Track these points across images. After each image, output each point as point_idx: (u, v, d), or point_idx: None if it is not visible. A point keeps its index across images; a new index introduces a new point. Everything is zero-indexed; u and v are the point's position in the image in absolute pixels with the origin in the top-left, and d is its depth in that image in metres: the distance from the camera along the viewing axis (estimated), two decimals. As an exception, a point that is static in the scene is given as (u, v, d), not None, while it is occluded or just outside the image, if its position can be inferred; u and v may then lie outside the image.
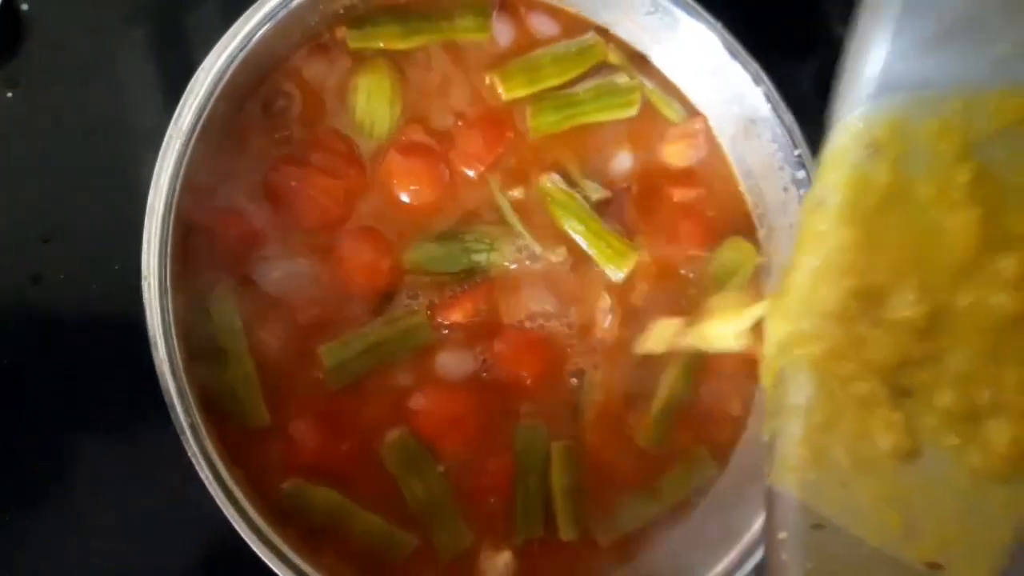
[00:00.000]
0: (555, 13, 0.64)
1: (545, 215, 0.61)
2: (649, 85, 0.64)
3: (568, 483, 0.59)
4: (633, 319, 0.62)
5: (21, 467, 0.61)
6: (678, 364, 0.61)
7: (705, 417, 0.62)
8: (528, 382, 0.60)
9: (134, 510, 0.62)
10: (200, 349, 0.54)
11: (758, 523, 0.56)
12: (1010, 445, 0.41)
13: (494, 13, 0.62)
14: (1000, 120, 0.42)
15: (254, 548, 0.51)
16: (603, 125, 0.63)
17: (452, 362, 0.59)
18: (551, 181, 0.61)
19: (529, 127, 0.62)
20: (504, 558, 0.58)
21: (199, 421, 0.51)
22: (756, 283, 0.63)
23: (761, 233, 0.64)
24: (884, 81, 0.43)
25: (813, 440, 0.43)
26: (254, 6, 0.55)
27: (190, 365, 0.52)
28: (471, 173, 0.61)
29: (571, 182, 0.62)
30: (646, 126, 0.64)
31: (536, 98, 0.62)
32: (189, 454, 0.51)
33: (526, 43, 0.63)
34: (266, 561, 0.51)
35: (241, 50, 0.54)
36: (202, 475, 0.51)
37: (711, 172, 0.65)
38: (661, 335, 0.57)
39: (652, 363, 0.61)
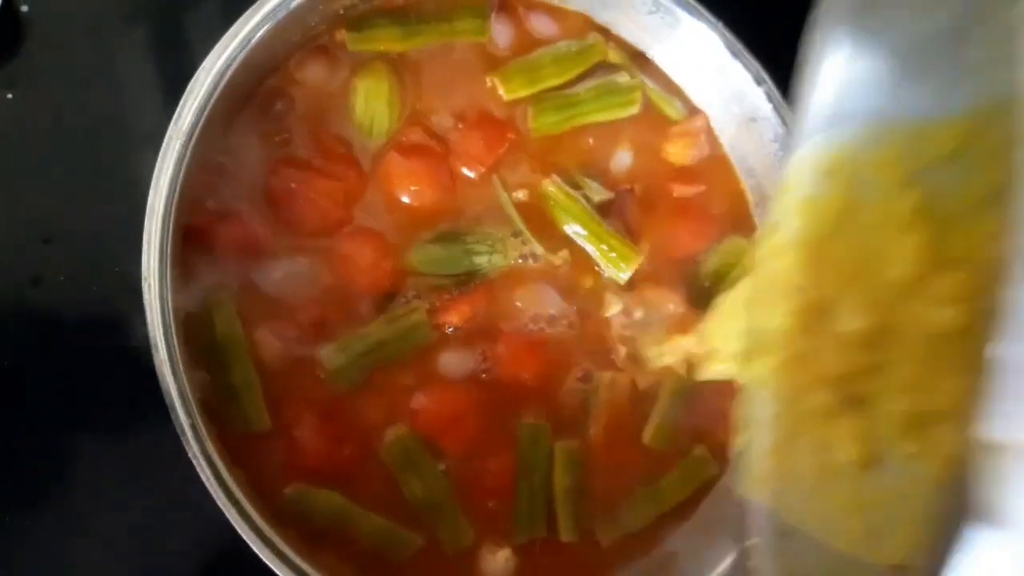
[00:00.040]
0: (555, 13, 0.64)
1: (547, 217, 0.61)
2: (650, 84, 0.64)
3: (570, 484, 0.59)
4: (638, 320, 0.62)
5: (21, 467, 0.61)
6: (683, 364, 0.61)
7: (706, 417, 0.62)
8: (529, 384, 0.60)
9: (134, 510, 0.61)
10: (201, 352, 0.54)
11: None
12: (955, 448, 0.42)
13: (493, 14, 0.62)
14: (941, 148, 0.43)
15: (255, 549, 0.51)
16: (604, 124, 0.63)
17: (454, 361, 0.59)
18: (553, 183, 0.61)
19: (530, 128, 0.62)
20: (504, 555, 0.58)
21: (199, 422, 0.51)
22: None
23: (762, 232, 0.64)
24: (834, 114, 0.45)
25: (779, 452, 0.45)
26: (254, 6, 0.55)
27: (190, 368, 0.52)
28: (472, 174, 0.61)
29: (573, 183, 0.62)
30: (647, 125, 0.64)
31: (537, 99, 0.62)
32: (189, 455, 0.51)
33: (526, 44, 0.63)
34: (267, 562, 0.51)
35: (241, 51, 0.54)
36: (203, 476, 0.51)
37: (712, 170, 0.65)
38: (673, 353, 0.58)
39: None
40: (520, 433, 0.59)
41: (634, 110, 0.63)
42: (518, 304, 0.60)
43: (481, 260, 0.59)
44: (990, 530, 0.22)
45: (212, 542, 0.61)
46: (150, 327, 0.51)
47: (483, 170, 0.60)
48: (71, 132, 0.64)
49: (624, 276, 0.61)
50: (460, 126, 0.61)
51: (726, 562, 0.57)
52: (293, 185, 0.57)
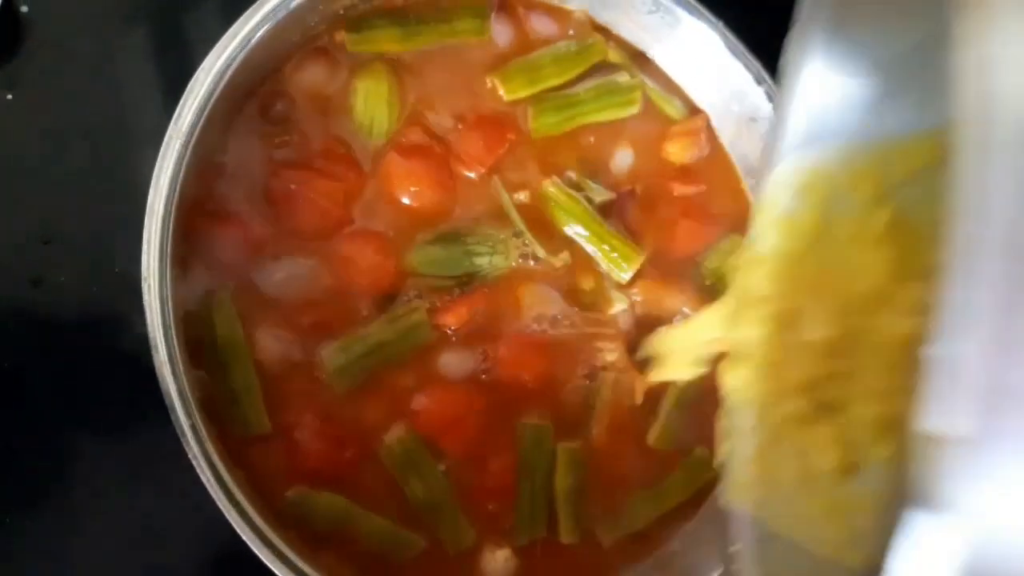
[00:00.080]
0: (555, 13, 0.64)
1: (548, 218, 0.61)
2: (650, 84, 0.64)
3: (572, 485, 0.59)
4: (640, 320, 0.62)
5: (21, 467, 0.61)
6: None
7: (711, 417, 0.62)
8: (530, 384, 0.59)
9: (134, 511, 0.61)
10: (201, 353, 0.54)
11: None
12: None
13: (492, 15, 0.62)
14: (914, 164, 0.44)
15: (255, 550, 0.51)
16: (604, 124, 0.63)
17: (454, 362, 0.59)
18: (553, 184, 0.61)
19: (531, 128, 0.62)
20: (503, 555, 0.58)
21: (200, 423, 0.51)
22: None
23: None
24: (810, 132, 0.47)
25: (761, 460, 0.46)
26: (254, 7, 0.55)
27: (190, 369, 0.52)
28: (472, 175, 0.61)
29: (574, 184, 0.62)
30: (647, 124, 0.64)
31: (537, 99, 0.62)
32: (190, 456, 0.51)
33: (526, 44, 0.63)
34: (267, 563, 0.51)
35: (241, 51, 0.54)
36: (203, 477, 0.51)
37: (713, 170, 0.65)
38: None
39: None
40: (522, 433, 0.59)
41: (634, 110, 0.63)
42: (519, 305, 0.60)
43: (482, 261, 0.59)
44: (927, 514, 0.24)
45: (212, 542, 0.61)
46: (150, 328, 0.51)
47: (483, 171, 0.60)
48: (71, 133, 0.64)
49: (626, 276, 0.61)
50: (460, 126, 0.61)
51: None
52: (293, 186, 0.57)
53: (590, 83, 0.63)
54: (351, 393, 0.57)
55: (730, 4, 0.60)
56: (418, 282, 0.59)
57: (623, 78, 0.63)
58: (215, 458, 0.51)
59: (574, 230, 0.61)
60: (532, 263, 0.61)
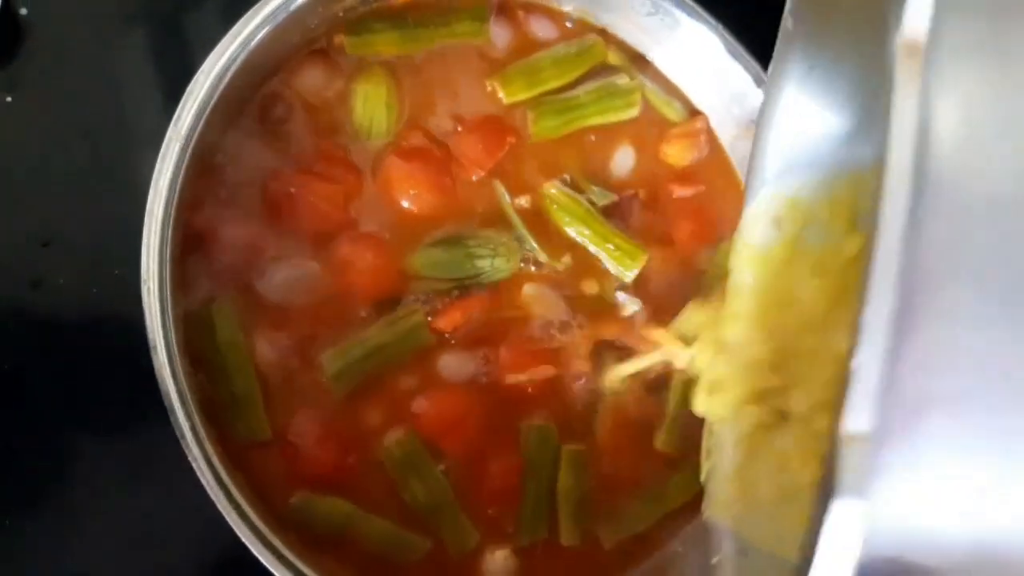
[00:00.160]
0: (554, 15, 0.64)
1: (549, 221, 0.61)
2: (650, 86, 0.64)
3: (575, 488, 0.59)
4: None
5: (21, 468, 0.61)
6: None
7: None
8: (530, 388, 0.59)
9: (134, 511, 0.61)
10: (201, 356, 0.54)
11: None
12: None
13: (492, 17, 0.62)
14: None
15: (255, 553, 0.51)
16: (604, 126, 0.63)
17: (454, 365, 0.59)
18: (554, 186, 0.61)
19: (531, 132, 0.62)
20: (503, 555, 0.58)
21: (200, 426, 0.51)
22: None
23: (762, 233, 0.64)
24: (781, 165, 0.49)
25: (740, 477, 0.48)
26: (254, 8, 0.55)
27: (190, 372, 0.52)
28: (472, 178, 0.60)
29: (575, 187, 0.62)
30: (647, 127, 0.64)
31: (537, 102, 0.62)
32: (189, 458, 0.51)
33: (525, 46, 0.63)
34: (268, 566, 0.51)
35: (241, 53, 0.54)
36: (203, 480, 0.51)
37: (713, 172, 0.65)
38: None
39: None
40: (527, 435, 0.59)
41: (634, 112, 0.63)
42: (520, 308, 0.60)
43: (483, 264, 0.59)
44: (845, 500, 0.27)
45: (213, 543, 0.60)
46: (149, 330, 0.51)
47: (483, 174, 0.60)
48: (70, 134, 0.64)
49: (630, 275, 0.61)
50: (460, 129, 0.61)
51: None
52: (292, 189, 0.57)
53: (590, 86, 0.63)
54: (351, 397, 0.57)
55: (729, 6, 0.60)
56: (420, 285, 0.59)
57: (623, 80, 0.63)
58: (215, 461, 0.51)
59: (577, 231, 0.61)
60: (533, 267, 0.61)
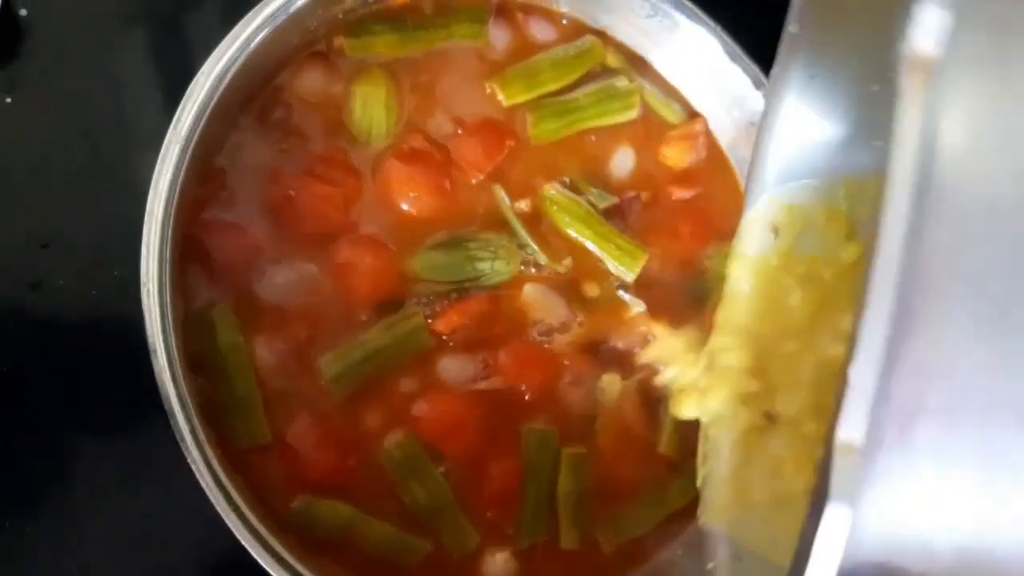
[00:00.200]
0: (553, 18, 0.64)
1: (549, 224, 0.61)
2: (649, 88, 0.64)
3: (574, 491, 0.59)
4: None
5: (21, 468, 0.61)
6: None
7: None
8: (531, 390, 0.59)
9: (134, 512, 0.61)
10: (201, 359, 0.54)
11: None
12: None
13: (491, 19, 0.62)
14: (877, 204, 0.45)
15: (255, 556, 0.51)
16: (603, 129, 0.63)
17: (454, 368, 0.59)
18: (554, 188, 0.61)
19: (530, 135, 0.62)
20: (502, 557, 0.58)
21: (199, 428, 0.51)
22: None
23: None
24: (780, 172, 0.50)
25: (735, 482, 0.48)
26: (254, 10, 0.55)
27: (190, 375, 0.52)
28: (472, 182, 0.60)
29: (575, 189, 0.62)
30: (646, 129, 0.64)
31: (536, 105, 0.62)
32: (189, 461, 0.51)
33: (525, 49, 0.63)
34: (267, 568, 0.51)
35: (241, 54, 0.54)
36: (202, 483, 0.51)
37: (712, 174, 0.65)
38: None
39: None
40: (528, 438, 0.59)
41: (633, 114, 0.63)
42: (520, 311, 0.60)
43: (483, 266, 0.59)
44: (837, 507, 0.28)
45: (212, 544, 0.60)
46: (149, 333, 0.51)
47: (482, 177, 0.60)
48: (70, 135, 0.64)
49: (632, 275, 0.61)
50: (460, 132, 0.61)
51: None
52: (292, 192, 0.57)
53: (589, 88, 0.63)
54: (350, 400, 0.56)
55: (728, 8, 0.60)
56: (420, 288, 0.59)
57: (622, 83, 0.63)
58: (215, 464, 0.51)
59: (577, 231, 0.61)
60: (534, 270, 0.61)
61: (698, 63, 0.63)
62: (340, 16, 0.59)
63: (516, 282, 0.60)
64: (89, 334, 0.62)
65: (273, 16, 0.55)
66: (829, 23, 0.45)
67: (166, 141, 0.53)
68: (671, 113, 0.64)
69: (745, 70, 0.61)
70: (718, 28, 0.61)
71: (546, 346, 0.60)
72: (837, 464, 0.28)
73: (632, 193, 0.63)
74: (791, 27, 0.47)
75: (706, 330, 0.54)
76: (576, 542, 0.59)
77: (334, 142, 0.59)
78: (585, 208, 0.61)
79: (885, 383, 0.28)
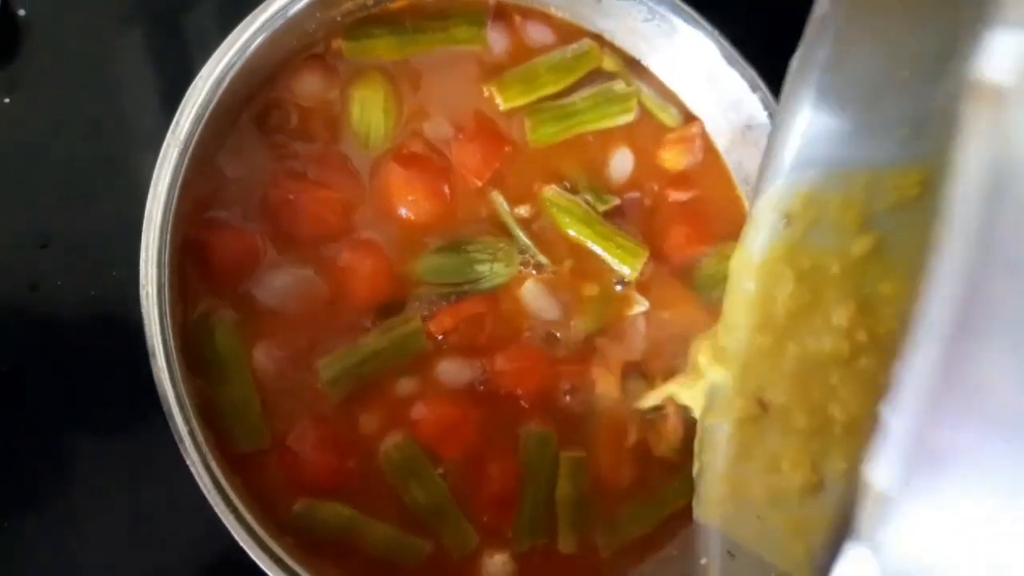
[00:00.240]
0: (551, 21, 0.64)
1: (549, 227, 0.61)
2: (646, 91, 0.64)
3: (572, 495, 0.59)
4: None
5: (20, 468, 0.61)
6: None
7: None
8: (529, 393, 0.60)
9: (134, 512, 0.62)
10: (200, 361, 0.54)
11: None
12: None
13: (489, 23, 0.62)
14: (896, 195, 0.45)
15: (254, 557, 0.51)
16: (600, 132, 0.63)
17: (452, 370, 0.59)
18: (554, 190, 0.61)
19: (529, 140, 0.62)
20: (501, 559, 0.58)
21: (198, 430, 0.51)
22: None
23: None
24: (798, 158, 0.49)
25: (731, 477, 0.48)
26: (253, 14, 0.55)
27: (189, 377, 0.52)
28: (471, 187, 0.61)
29: (575, 192, 0.62)
30: (643, 132, 0.64)
31: (534, 109, 0.62)
32: (188, 463, 0.51)
33: (522, 52, 0.63)
34: (266, 570, 0.51)
35: (240, 58, 0.54)
36: (201, 485, 0.51)
37: (709, 176, 0.65)
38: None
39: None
40: (526, 440, 0.59)
41: (630, 118, 0.63)
42: (519, 313, 0.60)
43: (483, 268, 0.59)
44: (858, 546, 0.27)
45: (212, 544, 0.61)
46: (148, 336, 0.51)
47: (480, 183, 0.60)
48: (69, 136, 0.64)
49: (633, 273, 0.62)
50: (460, 136, 0.61)
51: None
52: (291, 196, 0.57)
53: (586, 92, 0.63)
54: (349, 403, 0.57)
55: (726, 13, 0.60)
56: (420, 291, 0.59)
57: (619, 86, 0.63)
58: (213, 466, 0.51)
59: (578, 231, 0.61)
60: (534, 271, 0.61)
61: (695, 67, 0.63)
62: (338, 19, 0.59)
63: (516, 284, 0.61)
64: (88, 334, 0.62)
65: (272, 20, 0.55)
66: (861, 3, 0.44)
67: (165, 145, 0.53)
68: (668, 116, 0.64)
69: (742, 74, 0.61)
70: (715, 32, 0.60)
71: (544, 348, 0.60)
72: (864, 506, 0.27)
73: (635, 194, 0.63)
74: (820, 6, 0.45)
75: (705, 329, 0.54)
76: (574, 547, 0.59)
77: (333, 146, 0.59)
78: (584, 208, 0.61)
79: (921, 427, 0.27)
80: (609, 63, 0.64)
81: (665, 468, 0.61)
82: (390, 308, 0.58)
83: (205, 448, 0.51)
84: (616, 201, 0.62)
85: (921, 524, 0.28)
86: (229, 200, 0.57)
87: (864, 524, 0.27)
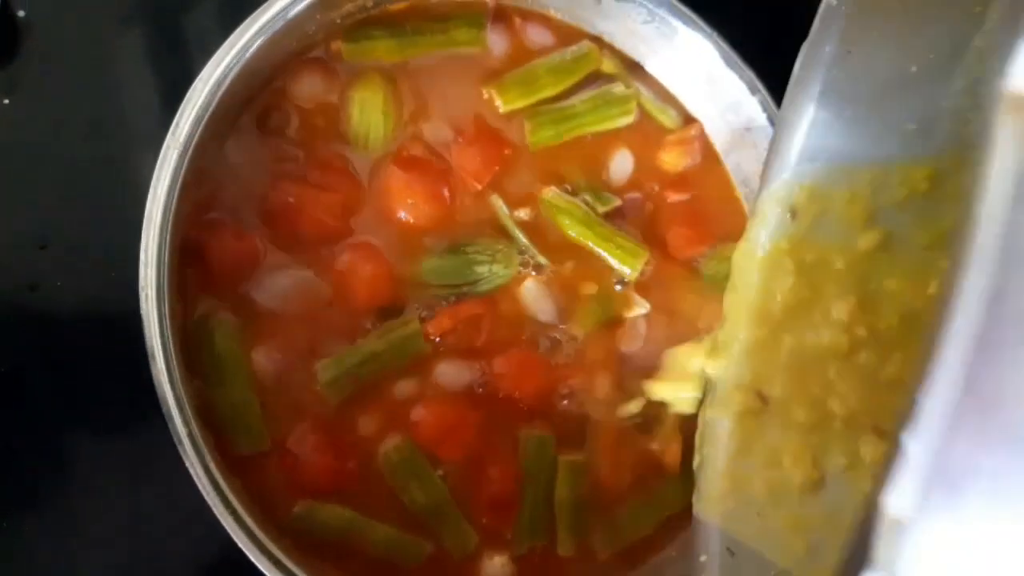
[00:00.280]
0: (550, 23, 0.64)
1: (550, 229, 0.61)
2: (645, 93, 0.64)
3: (571, 498, 0.59)
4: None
5: (20, 468, 0.62)
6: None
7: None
8: (528, 395, 0.60)
9: (133, 512, 0.62)
10: (199, 363, 0.54)
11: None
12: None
13: (488, 25, 0.62)
14: (903, 190, 0.45)
15: (252, 559, 0.51)
16: (600, 134, 0.63)
17: (451, 372, 0.59)
18: (554, 192, 0.61)
19: (528, 143, 0.62)
20: (500, 561, 0.58)
21: (197, 432, 0.51)
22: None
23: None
24: (804, 151, 0.48)
25: (732, 471, 0.48)
26: (252, 16, 0.55)
27: (188, 379, 0.52)
28: (470, 190, 0.61)
29: (575, 194, 0.62)
30: (643, 134, 0.64)
31: (534, 112, 0.62)
32: (187, 464, 0.51)
33: (522, 54, 0.63)
34: (265, 572, 0.51)
35: (239, 60, 0.54)
36: (200, 487, 0.51)
37: (708, 178, 0.65)
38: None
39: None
40: (525, 443, 0.59)
41: (629, 120, 0.63)
42: (518, 314, 0.60)
43: (482, 270, 0.59)
44: (876, 574, 0.27)
45: (212, 545, 0.61)
46: (148, 338, 0.52)
47: (480, 187, 0.60)
48: (69, 136, 0.64)
49: (634, 273, 0.62)
50: (460, 139, 0.61)
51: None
52: (290, 198, 0.57)
53: (586, 94, 0.63)
54: (348, 405, 0.57)
55: (725, 15, 0.60)
56: (422, 293, 0.59)
57: (618, 89, 0.63)
58: (212, 468, 0.51)
59: (579, 232, 0.61)
60: (534, 272, 0.61)
61: (694, 69, 0.63)
62: (338, 21, 0.59)
63: (515, 285, 0.61)
64: (88, 334, 0.62)
65: (272, 21, 0.55)
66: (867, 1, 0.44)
67: (164, 147, 0.53)
68: (667, 118, 0.65)
69: (741, 76, 0.61)
70: (714, 34, 0.61)
71: (543, 350, 0.60)
72: (881, 534, 0.27)
73: (635, 195, 0.63)
74: (827, 1, 0.45)
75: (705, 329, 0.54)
76: (572, 549, 0.59)
77: (332, 148, 0.59)
78: (584, 209, 0.61)
79: (941, 449, 0.27)
80: (608, 65, 0.64)
81: (662, 469, 0.61)
82: (389, 310, 0.58)
83: (204, 450, 0.51)
84: (616, 202, 0.63)
85: (940, 551, 0.27)
86: (229, 201, 0.57)
87: (882, 553, 0.27)
